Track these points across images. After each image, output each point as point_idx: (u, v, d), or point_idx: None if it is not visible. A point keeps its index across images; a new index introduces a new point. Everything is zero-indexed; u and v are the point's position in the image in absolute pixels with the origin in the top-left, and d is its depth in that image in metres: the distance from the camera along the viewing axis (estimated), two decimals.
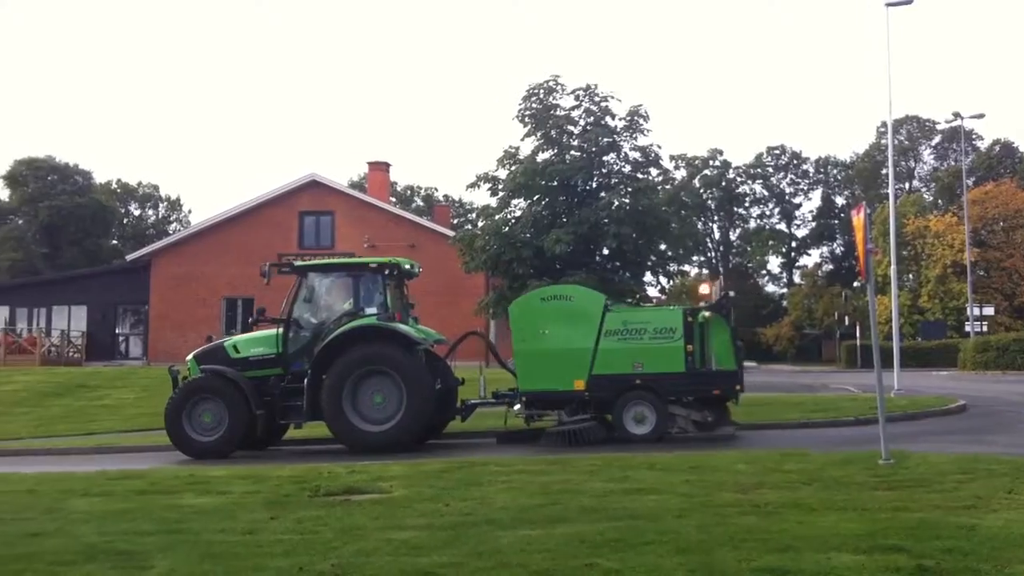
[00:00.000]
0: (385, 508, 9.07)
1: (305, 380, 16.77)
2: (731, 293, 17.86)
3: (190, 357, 18.28)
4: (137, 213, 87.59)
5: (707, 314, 16.57)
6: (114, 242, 77.60)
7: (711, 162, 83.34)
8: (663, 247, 23.99)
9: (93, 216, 73.66)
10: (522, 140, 23.42)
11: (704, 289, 18.23)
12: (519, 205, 23.56)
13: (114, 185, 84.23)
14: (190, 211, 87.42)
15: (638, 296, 23.96)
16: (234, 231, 40.51)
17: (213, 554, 7.27)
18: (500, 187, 23.38)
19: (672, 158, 74.44)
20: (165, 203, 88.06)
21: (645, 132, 23.44)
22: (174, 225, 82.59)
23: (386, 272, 17.53)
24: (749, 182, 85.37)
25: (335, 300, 18.08)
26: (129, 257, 44.83)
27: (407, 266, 18.34)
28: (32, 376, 31.33)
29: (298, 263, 18.84)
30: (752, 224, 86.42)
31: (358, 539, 7.62)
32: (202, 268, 39.40)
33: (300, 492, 10.16)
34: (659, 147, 23.75)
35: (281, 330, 17.43)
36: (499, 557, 6.91)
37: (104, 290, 42.31)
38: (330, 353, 16.79)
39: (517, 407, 17.00)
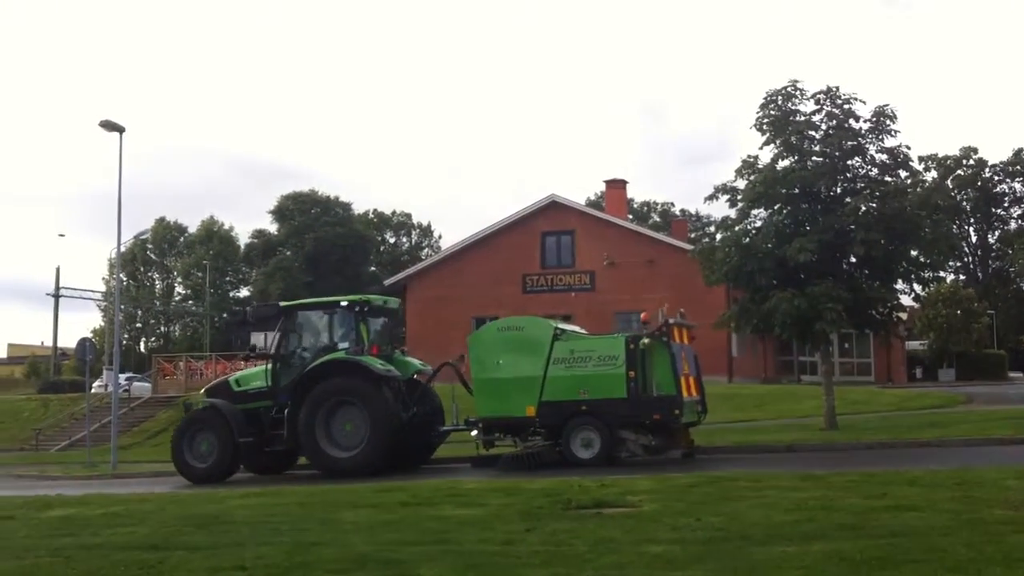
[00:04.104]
0: (636, 522, 9.14)
1: (286, 411, 18.23)
2: (671, 320, 17.51)
3: (202, 391, 20.37)
4: (392, 240, 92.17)
5: (647, 340, 16.77)
6: (372, 268, 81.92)
7: (964, 161, 78.25)
8: (915, 253, 22.72)
9: (353, 245, 78.30)
10: (760, 148, 22.85)
11: (645, 315, 18.02)
12: (759, 215, 22.99)
13: (371, 215, 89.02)
14: (440, 236, 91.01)
15: (890, 305, 22.87)
16: (481, 254, 41.82)
17: (474, 564, 7.57)
18: (739, 197, 22.93)
19: (921, 159, 70.34)
20: (417, 230, 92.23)
21: (892, 133, 22.29)
22: (426, 250, 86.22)
23: (357, 309, 18.79)
24: (1008, 180, 79.32)
25: (315, 336, 19.49)
26: (386, 282, 47.20)
27: (379, 302, 19.72)
28: None
29: (282, 303, 20.87)
30: (1013, 225, 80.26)
31: (611, 552, 7.73)
32: (453, 290, 40.85)
33: (552, 505, 10.38)
34: (908, 148, 22.56)
35: (270, 365, 19.10)
36: (755, 574, 6.84)
37: None
38: (304, 386, 18.20)
39: (475, 432, 17.75)
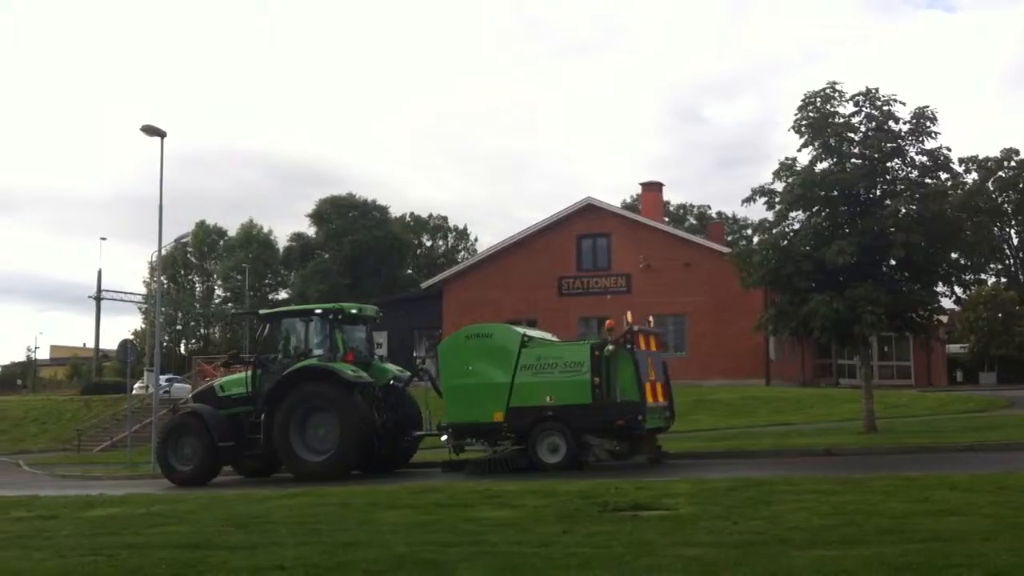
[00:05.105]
0: (673, 524, 9.10)
1: (263, 416, 18.79)
2: (636, 327, 17.66)
3: (189, 396, 21.08)
4: (429, 243, 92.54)
5: (612, 347, 17.04)
6: (409, 271, 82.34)
7: (1006, 163, 77.10)
8: (955, 255, 22.44)
9: (390, 248, 78.69)
10: (799, 151, 22.69)
11: (610, 323, 18.54)
12: (797, 217, 22.83)
13: (408, 218, 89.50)
14: (476, 239, 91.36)
15: (930, 308, 22.59)
16: (517, 257, 41.86)
17: (512, 566, 7.56)
18: (777, 200, 22.78)
19: (962, 161, 69.26)
20: (453, 233, 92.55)
21: (933, 135, 22.03)
22: (462, 253, 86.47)
23: (330, 316, 19.36)
24: None
25: (293, 343, 19.96)
26: (423, 285, 47.38)
27: (354, 310, 20.21)
28: None
29: (261, 311, 21.73)
30: None
31: (649, 554, 7.70)
32: (489, 293, 40.88)
33: (589, 507, 10.36)
34: (948, 150, 22.29)
35: (250, 371, 19.67)
36: None
37: (402, 316, 44.42)
38: (279, 392, 18.72)
39: (444, 438, 18.09)
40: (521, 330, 18.27)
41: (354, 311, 20.31)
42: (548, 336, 19.54)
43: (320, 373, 18.81)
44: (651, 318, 19.65)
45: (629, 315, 18.17)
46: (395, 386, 19.82)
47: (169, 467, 19.60)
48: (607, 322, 18.69)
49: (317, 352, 19.38)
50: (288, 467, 19.01)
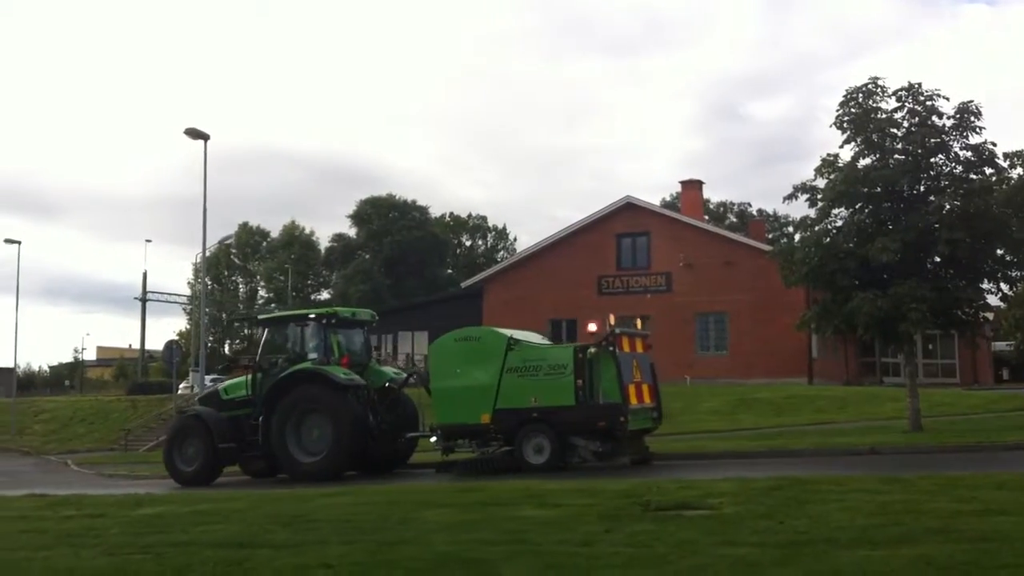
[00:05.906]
0: (717, 524, 9.07)
1: (260, 418, 19.21)
2: (618, 330, 17.73)
3: (197, 399, 22.06)
4: (468, 243, 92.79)
5: (594, 350, 17.28)
6: (449, 271, 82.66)
7: None
8: (1001, 252, 22.11)
9: (430, 248, 79.04)
10: (841, 147, 22.50)
11: (592, 327, 18.63)
12: (840, 214, 22.63)
13: (447, 218, 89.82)
14: (515, 239, 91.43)
15: (976, 305, 22.25)
16: (556, 256, 41.84)
17: (554, 564, 7.58)
18: (819, 197, 22.60)
19: (1007, 156, 68.10)
20: (493, 233, 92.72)
21: (977, 130, 21.73)
22: (501, 253, 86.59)
23: (324, 321, 19.75)
24: None
25: (290, 347, 20.47)
26: (463, 284, 47.51)
27: (348, 315, 20.71)
28: None
29: (260, 316, 22.68)
30: None
31: (692, 554, 7.68)
32: (529, 292, 40.91)
33: (632, 506, 10.33)
34: (993, 144, 21.97)
35: (250, 375, 20.14)
36: None
37: (442, 316, 44.32)
38: (274, 395, 19.16)
39: (434, 439, 18.43)
40: (508, 333, 18.48)
41: (347, 315, 20.82)
42: (536, 339, 19.69)
43: (313, 376, 19.25)
44: (638, 320, 20.02)
45: (612, 317, 18.29)
46: (391, 388, 20.16)
47: (174, 467, 20.09)
48: (591, 326, 18.80)
49: (312, 356, 19.81)
50: (284, 468, 19.41)
